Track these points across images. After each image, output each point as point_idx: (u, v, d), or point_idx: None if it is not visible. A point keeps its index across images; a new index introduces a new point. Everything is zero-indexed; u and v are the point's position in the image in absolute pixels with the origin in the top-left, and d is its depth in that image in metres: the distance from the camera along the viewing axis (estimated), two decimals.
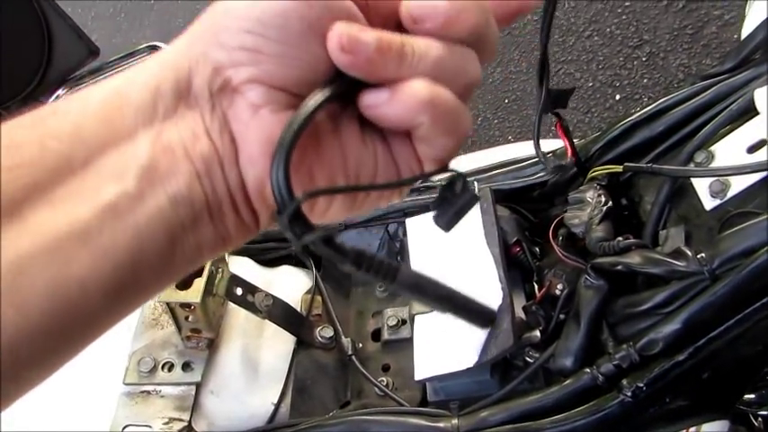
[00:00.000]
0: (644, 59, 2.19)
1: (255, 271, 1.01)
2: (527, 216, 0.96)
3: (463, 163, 1.10)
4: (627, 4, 2.33)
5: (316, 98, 0.28)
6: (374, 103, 0.29)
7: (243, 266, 1.00)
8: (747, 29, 0.79)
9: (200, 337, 0.85)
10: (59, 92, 1.07)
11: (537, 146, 0.78)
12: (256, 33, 0.28)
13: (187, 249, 0.29)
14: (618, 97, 2.14)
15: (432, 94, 0.29)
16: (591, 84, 2.21)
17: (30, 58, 1.01)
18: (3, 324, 0.24)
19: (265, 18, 0.28)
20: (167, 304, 0.80)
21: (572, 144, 0.81)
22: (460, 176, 0.33)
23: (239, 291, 0.86)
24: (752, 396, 0.89)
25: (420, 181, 1.05)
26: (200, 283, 0.80)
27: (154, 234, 0.27)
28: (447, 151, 0.32)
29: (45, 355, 0.27)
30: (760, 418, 0.91)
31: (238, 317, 0.91)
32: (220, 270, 0.85)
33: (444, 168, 0.33)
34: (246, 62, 0.28)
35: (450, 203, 0.33)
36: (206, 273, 0.80)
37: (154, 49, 1.06)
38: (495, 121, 2.25)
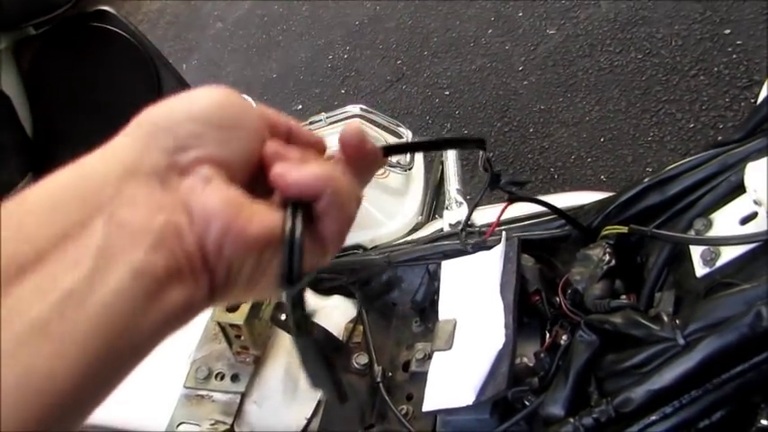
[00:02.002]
0: (752, 101, 2.09)
1: (308, 299, 1.13)
2: (555, 265, 1.01)
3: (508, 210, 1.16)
4: (739, 42, 2.24)
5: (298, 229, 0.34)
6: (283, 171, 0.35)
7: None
8: (762, 96, 0.80)
9: (248, 353, 0.99)
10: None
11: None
12: (199, 122, 0.33)
13: (156, 317, 0.30)
14: (719, 139, 2.06)
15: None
16: (692, 125, 2.15)
17: None
18: None
19: (205, 111, 0.34)
20: (218, 323, 0.95)
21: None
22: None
23: (283, 316, 0.99)
24: None
25: (461, 226, 1.12)
26: (245, 308, 0.93)
27: (119, 309, 0.28)
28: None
29: None
30: None
31: (285, 338, 1.04)
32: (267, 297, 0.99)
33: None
34: (192, 146, 0.33)
35: None
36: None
37: None
38: (589, 159, 2.25)
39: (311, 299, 1.13)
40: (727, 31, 2.28)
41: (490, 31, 2.81)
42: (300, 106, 3.04)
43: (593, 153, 2.26)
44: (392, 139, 1.47)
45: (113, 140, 0.33)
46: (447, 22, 2.96)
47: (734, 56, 2.23)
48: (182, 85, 1.27)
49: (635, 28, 2.48)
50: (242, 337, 0.98)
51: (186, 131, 0.33)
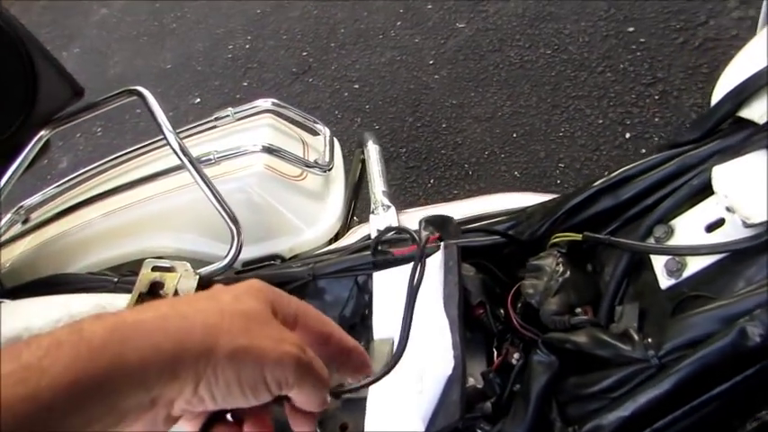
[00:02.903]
0: (657, 97, 2.15)
1: None
2: (497, 275, 0.94)
3: (438, 212, 1.08)
4: (642, 40, 2.29)
5: None
6: None
7: None
8: (717, 96, 0.76)
9: None
10: (42, 132, 1.08)
11: None
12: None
13: None
14: (628, 135, 2.10)
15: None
16: (601, 121, 2.17)
17: (13, 99, 1.03)
18: None
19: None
20: None
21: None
22: None
23: None
24: None
25: (391, 233, 1.03)
26: None
27: None
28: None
29: None
30: None
31: None
32: None
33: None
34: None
35: None
36: None
37: (133, 93, 1.06)
38: (503, 155, 2.22)
39: None
40: (631, 29, 2.33)
41: (399, 23, 2.74)
42: (198, 100, 2.84)
43: (507, 149, 2.24)
44: (308, 137, 1.35)
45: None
46: (354, 13, 2.86)
47: (638, 53, 2.27)
48: (61, 75, 1.09)
49: (543, 24, 2.49)
50: None
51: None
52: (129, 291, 0.98)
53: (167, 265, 0.92)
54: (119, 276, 1.07)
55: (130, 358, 0.36)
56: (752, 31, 2.17)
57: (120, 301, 0.94)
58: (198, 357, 0.38)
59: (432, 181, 2.26)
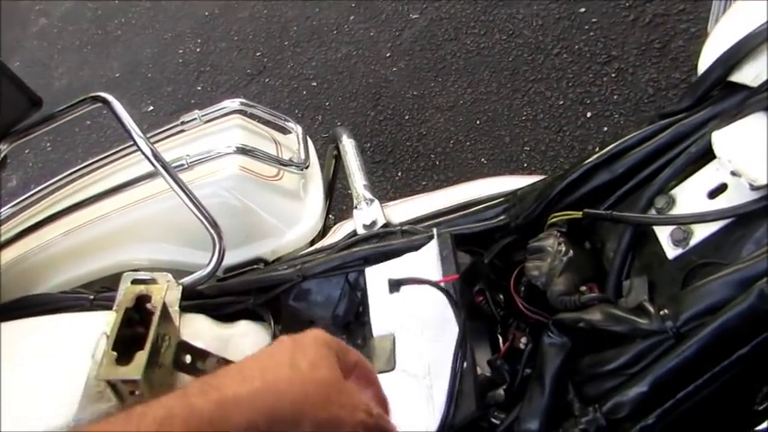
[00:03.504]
0: (613, 75, 2.17)
1: (211, 329, 0.96)
2: (493, 261, 0.92)
3: (423, 204, 1.06)
4: (594, 20, 2.32)
5: None
6: None
7: (197, 325, 0.95)
8: (704, 63, 0.76)
9: None
10: (1, 146, 1.02)
11: None
12: None
13: None
14: (589, 114, 2.12)
15: None
16: (562, 102, 2.19)
17: None
18: None
19: None
20: (107, 381, 0.75)
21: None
22: None
23: (188, 358, 0.81)
24: None
25: (380, 226, 1.00)
26: (141, 357, 0.75)
27: None
28: None
29: None
30: None
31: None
32: (167, 338, 0.81)
33: None
34: None
35: None
36: (148, 345, 0.75)
37: (97, 100, 1.01)
38: (468, 143, 2.22)
39: (214, 329, 0.96)
40: (582, 10, 2.36)
41: (352, 17, 2.71)
42: (152, 107, 2.75)
43: (472, 136, 2.23)
44: (279, 137, 1.31)
45: None
46: (306, 10, 2.81)
47: (591, 33, 2.30)
48: (16, 84, 1.02)
49: (496, 9, 2.50)
50: (138, 393, 0.79)
51: None
52: (107, 307, 0.93)
53: (148, 278, 0.88)
54: (94, 293, 1.02)
55: None
56: (699, 5, 2.22)
57: (100, 318, 0.89)
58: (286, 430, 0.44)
59: (399, 174, 2.25)
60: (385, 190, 2.21)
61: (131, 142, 1.00)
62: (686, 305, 0.61)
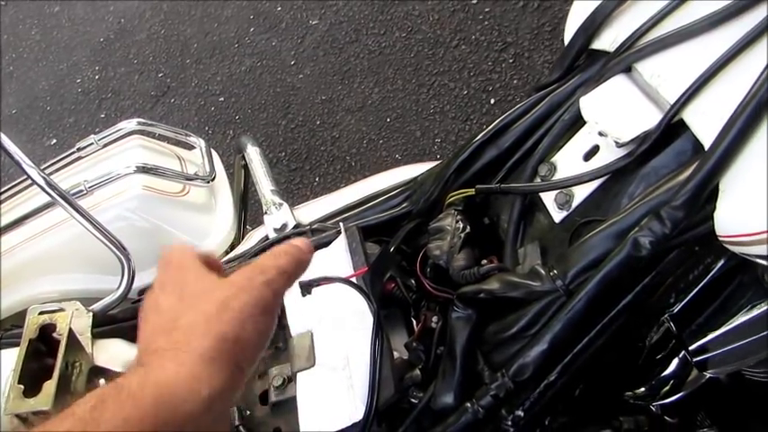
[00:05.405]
0: (511, 61, 2.25)
1: (129, 352, 0.94)
2: (401, 248, 0.94)
3: (332, 201, 1.08)
4: (487, 9, 2.40)
5: None
6: None
7: (114, 349, 0.93)
8: (568, 34, 0.80)
9: None
10: None
11: None
12: None
13: None
14: (492, 101, 2.19)
15: None
16: (465, 92, 2.25)
17: None
18: None
19: None
20: (16, 416, 0.73)
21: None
22: None
23: (101, 383, 0.79)
24: (643, 389, 0.91)
25: (291, 228, 1.00)
26: (50, 387, 0.73)
27: None
28: None
29: None
30: (656, 407, 0.93)
31: None
32: (77, 364, 0.79)
33: None
34: None
35: None
36: (56, 373, 0.74)
37: None
38: (381, 141, 2.25)
39: (131, 351, 0.94)
40: (475, 1, 2.43)
41: (252, 29, 2.69)
42: (54, 141, 2.65)
43: (383, 134, 2.27)
44: (183, 153, 1.30)
45: None
46: (204, 27, 2.78)
47: (485, 22, 2.38)
48: None
49: (392, 8, 2.54)
50: None
51: None
52: (15, 345, 0.90)
53: (55, 308, 0.85)
54: (2, 332, 0.98)
55: None
56: None
57: (7, 356, 0.86)
58: None
59: (317, 179, 2.25)
60: (305, 196, 2.21)
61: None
62: (572, 262, 0.64)
